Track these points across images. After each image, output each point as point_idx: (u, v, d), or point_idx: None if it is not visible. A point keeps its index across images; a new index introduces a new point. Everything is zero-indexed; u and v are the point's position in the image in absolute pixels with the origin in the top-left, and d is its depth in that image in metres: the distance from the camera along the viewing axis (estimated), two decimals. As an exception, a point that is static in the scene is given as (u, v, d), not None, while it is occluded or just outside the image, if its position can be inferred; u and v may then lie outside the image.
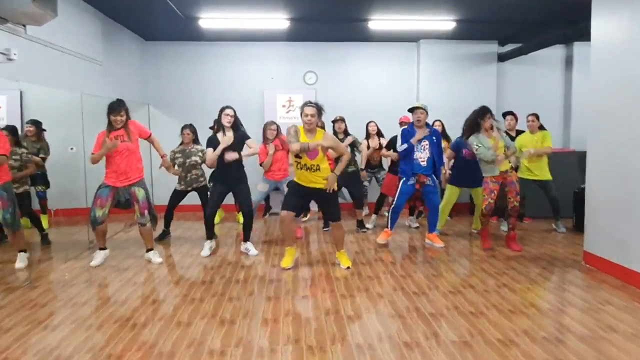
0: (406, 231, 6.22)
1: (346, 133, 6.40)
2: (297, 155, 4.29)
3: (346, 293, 3.87)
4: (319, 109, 4.35)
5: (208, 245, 5.14)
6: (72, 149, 6.14)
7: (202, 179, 5.96)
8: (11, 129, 5.06)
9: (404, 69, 7.96)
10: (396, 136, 6.24)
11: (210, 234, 5.16)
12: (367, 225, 6.33)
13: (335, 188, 4.34)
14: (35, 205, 5.72)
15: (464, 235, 5.97)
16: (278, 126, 5.89)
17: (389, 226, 5.34)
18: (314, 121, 4.29)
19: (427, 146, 5.17)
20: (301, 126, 4.35)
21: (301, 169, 4.34)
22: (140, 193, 4.67)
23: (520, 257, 4.91)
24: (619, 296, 3.74)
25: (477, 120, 5.00)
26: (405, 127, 5.44)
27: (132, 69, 7.27)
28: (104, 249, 4.80)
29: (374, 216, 6.59)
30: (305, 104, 4.32)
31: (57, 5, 4.18)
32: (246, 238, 5.16)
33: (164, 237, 5.93)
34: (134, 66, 7.34)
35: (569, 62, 7.98)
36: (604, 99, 4.37)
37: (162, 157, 5.02)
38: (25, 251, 4.63)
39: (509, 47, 7.76)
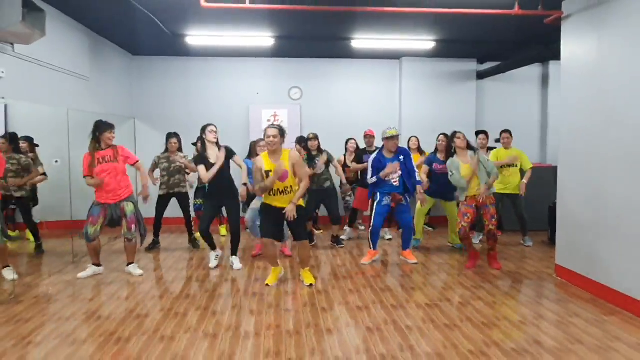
0: (386, 245, 6.37)
1: (320, 150, 6.18)
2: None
3: (327, 306, 3.98)
4: (282, 131, 4.39)
5: (213, 256, 5.23)
6: (56, 161, 6.21)
7: (183, 184, 6.11)
8: (11, 136, 5.39)
9: (386, 86, 8.16)
10: (364, 149, 6.42)
11: (212, 245, 5.19)
12: (342, 237, 6.49)
13: (295, 216, 4.39)
14: (20, 219, 5.82)
15: (443, 249, 6.13)
16: None
17: (371, 246, 5.44)
18: (277, 142, 4.32)
19: (397, 166, 5.32)
20: (264, 153, 4.45)
21: (273, 194, 4.41)
22: (128, 208, 4.77)
23: (496, 270, 5.08)
24: (588, 309, 3.91)
25: (450, 144, 5.18)
26: (370, 148, 5.92)
27: (118, 83, 7.34)
28: (98, 265, 4.90)
29: (348, 229, 6.73)
30: (268, 126, 4.40)
31: (45, 25, 4.26)
32: (233, 252, 5.25)
33: (153, 247, 6.06)
34: (120, 80, 7.42)
35: (545, 80, 8.27)
36: (574, 118, 4.57)
37: (144, 186, 4.94)
38: (8, 266, 4.64)
39: (487, 66, 8.01)
